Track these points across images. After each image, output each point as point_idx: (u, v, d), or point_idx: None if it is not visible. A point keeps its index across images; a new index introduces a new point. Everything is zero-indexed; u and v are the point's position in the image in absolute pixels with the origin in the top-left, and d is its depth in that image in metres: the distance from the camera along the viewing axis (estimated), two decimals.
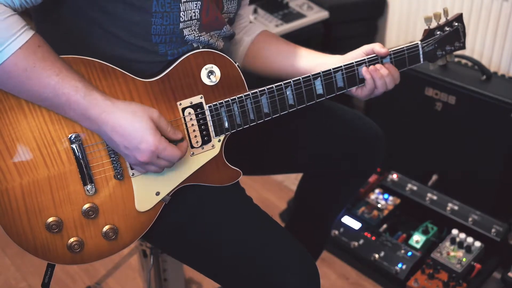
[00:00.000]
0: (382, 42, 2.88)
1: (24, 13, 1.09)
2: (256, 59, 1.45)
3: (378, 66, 1.30)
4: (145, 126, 1.08)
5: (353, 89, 1.33)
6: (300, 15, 2.70)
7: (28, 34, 1.03)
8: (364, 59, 1.30)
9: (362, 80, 1.32)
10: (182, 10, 1.17)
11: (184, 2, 1.16)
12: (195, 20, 1.20)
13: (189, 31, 1.20)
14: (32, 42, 1.03)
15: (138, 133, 1.07)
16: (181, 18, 1.17)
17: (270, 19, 2.66)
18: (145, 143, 1.07)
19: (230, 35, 1.36)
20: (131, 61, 1.18)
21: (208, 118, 1.22)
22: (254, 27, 1.49)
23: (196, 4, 1.18)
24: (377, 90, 1.32)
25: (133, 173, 1.17)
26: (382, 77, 1.30)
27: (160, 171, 1.15)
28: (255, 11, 2.72)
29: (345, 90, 1.32)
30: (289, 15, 2.70)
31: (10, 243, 1.14)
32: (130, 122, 1.07)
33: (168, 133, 1.13)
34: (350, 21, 2.80)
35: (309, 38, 2.69)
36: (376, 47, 1.31)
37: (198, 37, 1.22)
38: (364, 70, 1.30)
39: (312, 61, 1.38)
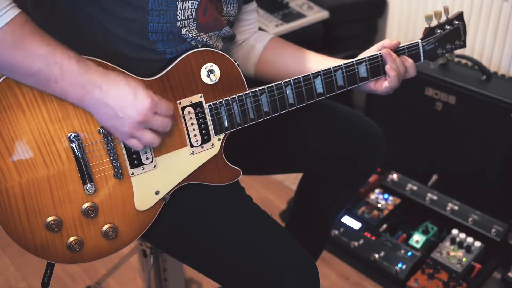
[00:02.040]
0: None
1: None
2: (270, 65, 1.46)
3: (398, 61, 1.31)
4: (139, 84, 1.08)
5: (372, 84, 1.34)
6: (300, 15, 2.70)
7: (15, 11, 1.03)
8: (365, 58, 1.30)
9: (363, 79, 1.32)
10: (179, 8, 1.16)
11: (181, 0, 1.16)
12: (192, 19, 1.19)
13: (187, 30, 1.20)
14: (19, 18, 1.03)
15: (134, 90, 1.07)
16: (178, 16, 1.17)
17: (270, 19, 2.66)
18: (141, 98, 1.07)
19: (229, 36, 1.36)
20: (130, 59, 1.18)
21: (208, 117, 1.22)
22: (264, 34, 1.50)
23: (192, 3, 1.18)
24: (398, 83, 1.33)
25: (132, 172, 1.17)
26: (404, 72, 1.32)
27: (157, 140, 1.11)
28: None
29: (345, 89, 1.32)
30: (289, 15, 2.70)
31: (10, 242, 1.14)
32: (125, 82, 1.07)
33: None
34: (350, 21, 2.80)
35: (309, 38, 2.69)
36: (386, 42, 1.32)
37: (196, 37, 1.22)
38: (388, 68, 1.30)
39: (323, 64, 1.37)
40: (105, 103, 1.07)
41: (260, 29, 1.53)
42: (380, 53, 1.31)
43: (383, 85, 1.33)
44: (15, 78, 1.06)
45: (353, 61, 1.30)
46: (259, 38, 1.48)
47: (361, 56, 1.34)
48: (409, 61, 1.33)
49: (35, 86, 1.07)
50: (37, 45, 1.03)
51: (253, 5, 1.46)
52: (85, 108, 1.10)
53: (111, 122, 1.09)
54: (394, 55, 1.31)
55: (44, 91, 1.08)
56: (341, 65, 1.29)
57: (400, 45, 1.33)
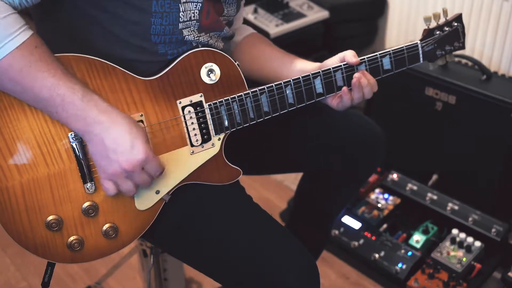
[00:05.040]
0: (382, 42, 2.89)
1: (24, 13, 1.09)
2: (240, 59, 1.44)
3: (356, 75, 1.28)
4: (142, 133, 1.08)
5: (329, 99, 1.32)
6: (300, 15, 2.70)
7: (26, 34, 1.03)
8: (364, 59, 1.30)
9: None
10: (181, 10, 1.17)
11: (183, 2, 1.16)
12: (194, 21, 1.20)
13: (189, 31, 1.20)
14: (30, 43, 1.03)
15: (133, 136, 1.07)
16: (180, 18, 1.17)
17: (270, 19, 2.66)
18: (136, 149, 1.06)
19: (229, 36, 1.37)
20: (131, 61, 1.18)
21: (208, 116, 1.22)
22: (245, 28, 1.50)
23: (195, 5, 1.18)
24: (354, 101, 1.31)
25: None
26: (367, 85, 1.28)
27: (131, 191, 1.11)
28: (255, 11, 2.72)
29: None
30: (289, 15, 2.70)
31: (11, 242, 1.14)
32: (127, 125, 1.07)
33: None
34: (350, 21, 2.80)
35: (309, 38, 2.69)
36: (348, 56, 1.29)
37: (197, 38, 1.22)
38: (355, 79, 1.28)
39: (293, 67, 1.37)
40: (101, 140, 1.07)
41: (259, 28, 1.53)
42: (378, 53, 1.31)
43: (336, 105, 1.32)
44: (20, 99, 1.07)
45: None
46: (239, 30, 1.48)
47: (327, 62, 1.32)
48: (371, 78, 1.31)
49: (40, 109, 1.08)
50: (42, 75, 1.03)
51: (243, 1, 1.46)
52: (84, 139, 1.10)
53: (100, 159, 1.09)
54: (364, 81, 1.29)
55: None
56: (341, 65, 1.29)
57: (399, 46, 1.33)
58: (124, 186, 1.10)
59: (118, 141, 1.06)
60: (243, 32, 1.48)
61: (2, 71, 1.01)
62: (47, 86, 1.03)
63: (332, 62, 1.32)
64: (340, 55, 1.31)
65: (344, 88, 1.29)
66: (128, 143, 1.06)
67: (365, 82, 1.28)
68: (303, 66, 1.36)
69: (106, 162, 1.08)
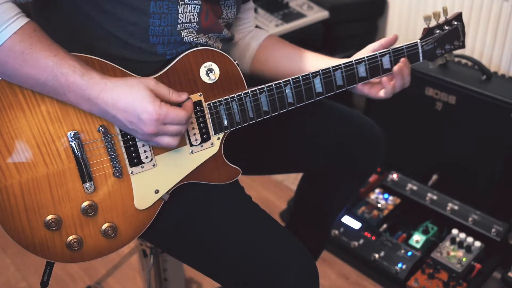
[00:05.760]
0: None
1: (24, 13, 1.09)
2: (264, 64, 1.45)
3: (401, 63, 1.32)
4: (142, 95, 1.07)
5: (366, 88, 1.34)
6: (300, 15, 2.70)
7: (23, 19, 1.03)
8: (364, 58, 1.30)
9: (362, 79, 1.32)
10: (180, 12, 1.17)
11: (182, 4, 1.16)
12: (194, 23, 1.20)
13: (187, 32, 1.20)
14: (28, 27, 1.03)
15: (137, 104, 1.06)
16: (179, 20, 1.17)
17: (270, 19, 2.66)
18: (146, 113, 1.06)
19: (229, 38, 1.36)
20: (130, 61, 1.18)
21: (207, 116, 1.22)
22: (260, 32, 1.50)
23: (194, 7, 1.18)
24: (395, 89, 1.34)
25: (132, 171, 1.17)
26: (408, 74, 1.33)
27: (175, 142, 1.11)
28: (255, 11, 2.71)
29: (344, 89, 1.32)
30: (289, 15, 2.70)
31: (10, 242, 1.14)
32: (128, 95, 1.06)
33: (171, 97, 1.11)
34: (350, 21, 2.80)
35: (309, 38, 2.69)
36: (383, 41, 1.33)
37: (196, 39, 1.22)
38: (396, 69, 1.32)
39: (320, 64, 1.37)
40: (113, 117, 1.08)
41: (257, 27, 1.53)
42: (378, 53, 1.31)
43: (378, 93, 1.35)
44: (26, 87, 1.08)
45: (352, 61, 1.30)
46: (255, 36, 1.48)
47: (358, 55, 1.34)
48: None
49: (48, 95, 1.08)
50: (44, 55, 1.03)
51: (250, 4, 1.46)
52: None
53: (127, 130, 1.11)
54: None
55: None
56: (340, 64, 1.29)
57: (399, 45, 1.33)
58: (164, 141, 1.11)
59: (128, 113, 1.06)
60: (259, 36, 1.48)
61: (3, 55, 1.02)
62: (50, 65, 1.03)
63: (362, 53, 1.34)
64: (372, 45, 1.34)
65: (384, 78, 1.32)
66: (137, 111, 1.06)
67: (406, 71, 1.32)
68: (330, 62, 1.35)
69: (132, 131, 1.10)
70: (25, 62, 1.03)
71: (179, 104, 1.12)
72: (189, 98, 1.15)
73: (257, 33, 1.49)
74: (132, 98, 1.06)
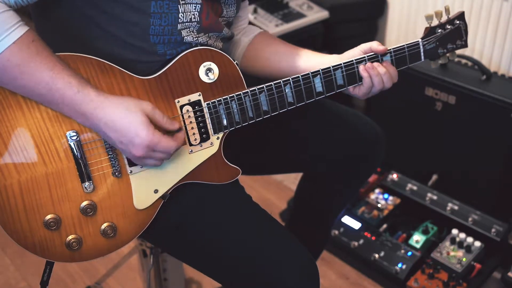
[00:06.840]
0: (382, 42, 2.86)
1: (23, 13, 1.09)
2: (254, 60, 1.44)
3: (375, 64, 1.29)
4: (138, 120, 1.07)
5: (351, 88, 1.32)
6: (300, 15, 2.70)
7: (22, 29, 1.03)
8: (364, 57, 1.30)
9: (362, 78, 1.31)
10: (181, 11, 1.17)
11: (182, 4, 1.16)
12: (195, 23, 1.20)
13: (187, 32, 1.20)
14: (26, 37, 1.03)
15: (131, 128, 1.07)
16: (179, 19, 1.17)
17: (270, 19, 2.66)
18: (138, 137, 1.07)
19: (229, 37, 1.36)
20: (130, 61, 1.17)
21: (207, 115, 1.21)
22: (252, 29, 1.48)
23: (195, 6, 1.18)
24: (374, 88, 1.30)
25: (131, 171, 1.17)
26: (378, 74, 1.28)
27: (159, 164, 1.14)
28: (255, 11, 2.72)
29: (344, 88, 1.32)
30: (289, 15, 2.70)
31: (10, 242, 1.14)
32: (123, 117, 1.07)
33: (164, 124, 1.12)
34: (350, 21, 2.80)
35: (309, 38, 2.69)
36: (374, 45, 1.30)
37: (196, 38, 1.22)
38: (361, 68, 1.29)
39: (310, 61, 1.37)
40: (105, 134, 1.09)
41: (251, 23, 1.52)
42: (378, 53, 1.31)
43: (360, 89, 1.32)
44: (22, 95, 1.08)
45: (352, 60, 1.29)
46: (246, 32, 1.47)
47: (346, 55, 1.32)
48: (392, 68, 1.31)
49: (43, 104, 1.09)
50: (40, 69, 1.03)
51: (246, 2, 1.45)
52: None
53: (117, 146, 1.11)
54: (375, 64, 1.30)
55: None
56: (341, 64, 1.28)
57: (400, 45, 1.33)
58: (149, 163, 1.14)
59: (120, 134, 1.07)
60: (250, 33, 1.47)
61: (1, 66, 1.02)
62: (45, 79, 1.04)
63: (354, 53, 1.32)
64: (364, 46, 1.31)
65: (364, 74, 1.29)
66: (130, 135, 1.07)
67: (383, 69, 1.28)
68: (321, 59, 1.35)
69: (121, 149, 1.11)
70: (22, 74, 1.03)
71: (172, 133, 1.14)
72: (181, 129, 1.16)
73: (248, 29, 1.48)
74: (128, 121, 1.07)
